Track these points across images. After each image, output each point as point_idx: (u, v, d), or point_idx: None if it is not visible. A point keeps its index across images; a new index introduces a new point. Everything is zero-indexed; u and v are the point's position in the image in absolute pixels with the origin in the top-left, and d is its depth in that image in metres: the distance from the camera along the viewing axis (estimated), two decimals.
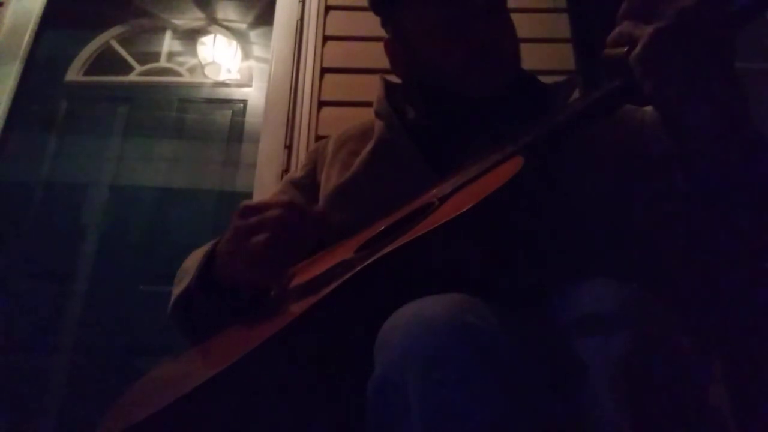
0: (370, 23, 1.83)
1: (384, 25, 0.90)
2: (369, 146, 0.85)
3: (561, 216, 0.69)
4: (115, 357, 2.27)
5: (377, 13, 0.90)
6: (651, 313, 0.50)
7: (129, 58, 3.08)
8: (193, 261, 0.76)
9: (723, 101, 0.54)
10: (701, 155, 0.57)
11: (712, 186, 0.58)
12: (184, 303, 0.73)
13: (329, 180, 0.87)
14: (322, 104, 1.77)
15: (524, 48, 0.87)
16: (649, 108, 0.74)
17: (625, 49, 0.55)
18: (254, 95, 3.00)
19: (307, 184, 0.91)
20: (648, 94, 0.54)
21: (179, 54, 3.18)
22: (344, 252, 0.67)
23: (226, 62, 3.08)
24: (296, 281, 0.69)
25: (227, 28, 3.18)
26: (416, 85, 0.88)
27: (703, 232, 0.62)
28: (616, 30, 0.57)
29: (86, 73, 3.02)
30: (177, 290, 0.75)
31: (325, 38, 1.87)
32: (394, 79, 0.94)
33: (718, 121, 0.54)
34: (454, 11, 0.79)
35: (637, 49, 0.54)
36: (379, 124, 0.87)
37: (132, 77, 3.03)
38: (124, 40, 3.13)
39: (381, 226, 0.67)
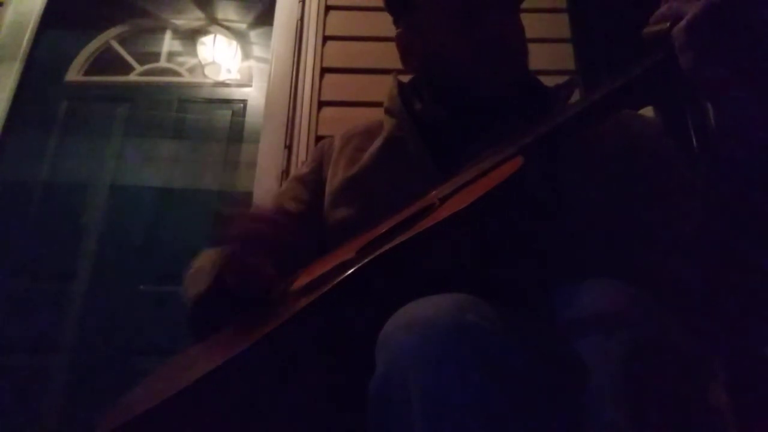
0: (370, 23, 1.85)
1: (396, 21, 0.91)
2: (378, 142, 0.86)
3: (561, 216, 0.69)
4: (115, 357, 2.27)
5: (391, 10, 0.91)
6: (651, 313, 0.50)
7: (129, 58, 3.07)
8: (206, 263, 0.78)
9: (760, 87, 0.54)
10: (729, 138, 0.57)
11: (733, 173, 0.58)
12: (202, 307, 0.76)
13: (335, 175, 0.87)
14: (322, 104, 1.77)
15: None
16: (649, 112, 0.74)
17: (668, 24, 0.56)
18: (254, 95, 3.00)
19: (312, 180, 0.92)
20: (686, 66, 0.55)
21: (179, 54, 3.17)
22: (346, 253, 0.67)
23: (226, 62, 3.07)
24: (299, 282, 0.69)
25: (227, 28, 3.18)
26: (426, 79, 0.88)
27: (714, 230, 0.61)
28: (664, 7, 0.58)
29: (86, 73, 3.02)
30: (193, 291, 0.77)
31: (325, 38, 1.88)
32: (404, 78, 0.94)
33: (751, 105, 0.54)
34: (471, 2, 0.80)
35: (685, 20, 0.54)
36: (389, 121, 0.88)
37: (132, 77, 3.03)
38: (124, 40, 3.13)
39: (383, 228, 0.67)
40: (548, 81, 0.88)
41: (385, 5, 0.92)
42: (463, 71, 0.81)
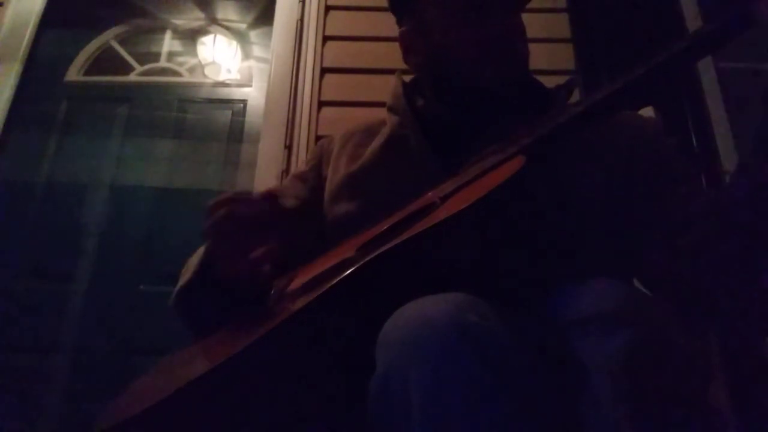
0: (370, 23, 1.85)
1: (399, 20, 0.91)
2: (380, 139, 0.87)
3: (561, 216, 0.69)
4: (115, 357, 2.27)
5: (394, 9, 0.92)
6: (651, 313, 0.50)
7: (129, 58, 3.07)
8: (196, 256, 0.78)
9: None
10: None
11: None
12: (186, 296, 0.75)
13: (336, 172, 0.88)
14: (322, 104, 1.77)
15: None
16: (649, 112, 0.74)
17: None
18: (254, 95, 3.00)
19: (312, 177, 0.92)
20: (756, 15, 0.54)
21: (179, 54, 3.17)
22: (346, 251, 0.67)
23: (226, 62, 3.07)
24: (298, 281, 0.69)
25: (227, 28, 3.18)
26: (429, 77, 0.89)
27: (722, 230, 0.61)
28: None
29: (86, 73, 3.02)
30: (180, 282, 0.77)
31: (325, 38, 1.88)
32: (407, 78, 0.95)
33: None
34: (473, 2, 0.81)
35: None
36: (392, 119, 0.88)
37: (132, 77, 3.03)
38: (124, 40, 3.13)
39: (384, 226, 0.68)
40: (548, 81, 0.88)
41: (389, 4, 0.92)
42: (465, 70, 0.81)
